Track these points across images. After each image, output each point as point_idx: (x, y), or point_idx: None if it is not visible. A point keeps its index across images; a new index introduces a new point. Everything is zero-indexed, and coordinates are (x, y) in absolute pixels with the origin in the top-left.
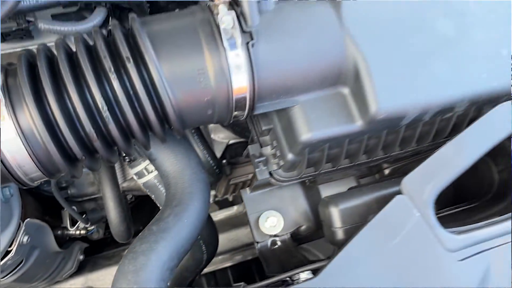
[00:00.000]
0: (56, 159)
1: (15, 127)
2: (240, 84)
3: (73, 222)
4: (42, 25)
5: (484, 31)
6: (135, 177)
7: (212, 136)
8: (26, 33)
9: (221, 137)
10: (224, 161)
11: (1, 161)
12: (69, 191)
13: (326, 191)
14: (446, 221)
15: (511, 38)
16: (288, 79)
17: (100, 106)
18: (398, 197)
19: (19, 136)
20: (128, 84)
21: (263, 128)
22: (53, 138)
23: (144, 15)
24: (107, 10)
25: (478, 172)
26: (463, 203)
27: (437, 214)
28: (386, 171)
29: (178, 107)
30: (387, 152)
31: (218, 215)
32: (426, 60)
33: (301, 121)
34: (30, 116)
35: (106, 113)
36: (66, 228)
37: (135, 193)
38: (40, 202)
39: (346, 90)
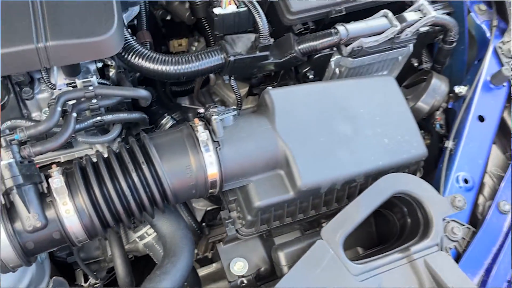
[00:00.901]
0: (97, 227)
1: (74, 209)
2: (213, 173)
3: (84, 279)
4: (80, 138)
5: (372, 128)
6: (137, 239)
7: (194, 205)
8: (68, 144)
9: (201, 205)
10: (203, 224)
11: (64, 231)
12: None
13: (278, 241)
14: (365, 257)
15: (390, 132)
16: (243, 168)
17: (126, 192)
18: (318, 241)
19: (76, 214)
20: (143, 178)
21: (230, 198)
22: (96, 214)
23: (145, 125)
24: (122, 126)
25: (388, 221)
26: (382, 244)
27: (363, 254)
28: (323, 225)
29: (174, 190)
30: (317, 211)
31: (200, 272)
32: (333, 150)
33: (253, 193)
34: (83, 201)
35: (129, 197)
36: (79, 285)
37: (134, 254)
38: (55, 265)
39: (282, 172)
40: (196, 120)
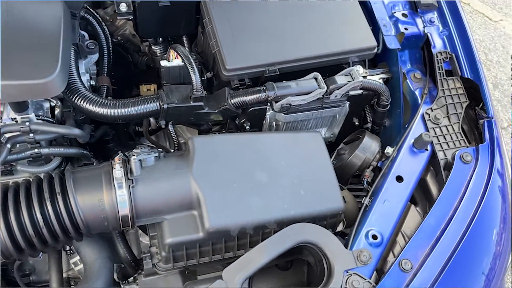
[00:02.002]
0: (10, 249)
1: None
2: (124, 209)
3: None
4: (19, 167)
5: (288, 179)
6: (72, 265)
7: (141, 238)
8: (8, 172)
9: (147, 239)
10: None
11: None
12: (31, 278)
13: (201, 279)
14: None
15: (307, 184)
16: (157, 206)
17: (39, 219)
18: (218, 280)
19: None
20: (56, 207)
21: (151, 234)
22: (9, 237)
23: (87, 160)
24: (61, 159)
25: (308, 269)
26: None
27: None
28: None
29: (85, 221)
30: (234, 253)
31: None
32: (245, 196)
33: (166, 231)
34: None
35: (42, 224)
36: None
37: (77, 280)
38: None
39: (195, 212)
40: (117, 159)
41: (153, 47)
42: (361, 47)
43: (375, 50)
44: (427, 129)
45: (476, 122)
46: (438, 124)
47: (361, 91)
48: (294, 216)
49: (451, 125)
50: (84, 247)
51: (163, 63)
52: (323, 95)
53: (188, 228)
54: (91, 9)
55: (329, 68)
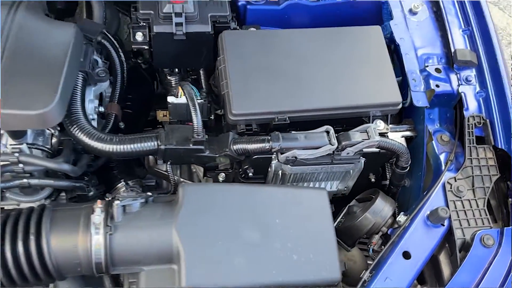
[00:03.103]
0: None
1: None
2: (98, 255)
3: None
4: (8, 195)
5: (282, 241)
6: None
7: None
8: None
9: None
10: None
11: None
12: None
13: None
14: None
15: (303, 248)
16: (134, 256)
17: (7, 257)
18: None
19: None
20: (30, 247)
21: (130, 280)
22: None
23: (82, 191)
24: (52, 190)
25: None
26: None
27: None
28: None
29: (57, 265)
30: None
31: None
32: (231, 256)
33: (142, 282)
34: None
35: (10, 264)
36: None
37: None
38: None
39: (175, 267)
40: (99, 202)
41: (168, 77)
42: (384, 102)
43: (399, 106)
44: (447, 202)
45: (506, 198)
46: (460, 197)
47: (378, 149)
48: (282, 284)
49: (475, 199)
50: (61, 282)
51: (170, 99)
52: (333, 151)
53: (165, 283)
54: (108, 35)
55: (348, 120)
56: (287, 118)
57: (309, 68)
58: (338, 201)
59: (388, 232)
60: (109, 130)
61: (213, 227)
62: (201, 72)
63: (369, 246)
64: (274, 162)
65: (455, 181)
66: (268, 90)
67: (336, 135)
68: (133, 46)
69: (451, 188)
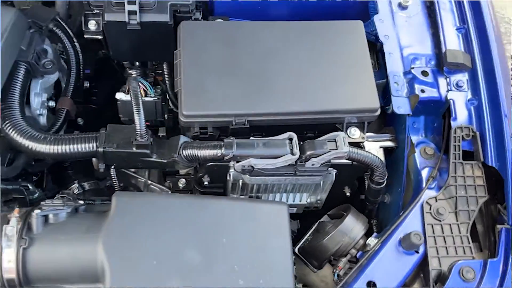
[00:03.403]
0: None
1: None
2: (9, 271)
3: None
4: None
5: (228, 262)
6: None
7: None
8: None
9: None
10: None
11: None
12: None
13: None
14: None
15: (252, 272)
16: (53, 274)
17: None
18: None
19: None
20: None
21: None
22: None
23: None
24: None
25: None
26: None
27: None
28: None
29: None
30: None
31: None
32: (164, 279)
33: None
34: None
35: None
36: None
37: None
38: None
39: (101, 286)
40: (17, 210)
41: (128, 71)
42: (360, 108)
43: (377, 113)
44: (423, 225)
45: (495, 224)
46: (440, 221)
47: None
48: None
49: (457, 224)
50: None
51: (118, 95)
52: (296, 161)
53: None
54: (62, 22)
55: (319, 126)
56: (246, 122)
57: (276, 66)
58: (310, 215)
59: (357, 256)
60: (58, 127)
61: (148, 245)
62: (164, 66)
63: (334, 270)
64: (231, 171)
65: (436, 201)
66: (226, 89)
67: (301, 143)
68: (85, 36)
69: (430, 209)
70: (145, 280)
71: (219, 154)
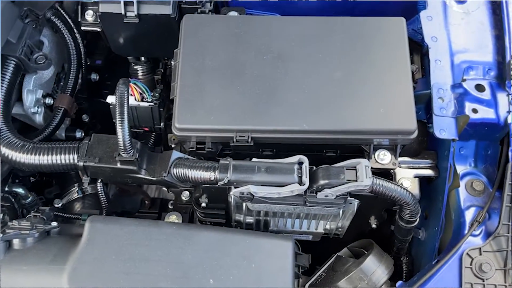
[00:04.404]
0: None
1: None
2: None
3: None
4: None
5: None
6: None
7: None
8: None
9: None
10: None
11: None
12: None
13: None
14: None
15: None
16: None
17: None
18: None
19: None
20: None
21: None
22: None
23: None
24: None
25: None
26: None
27: None
28: None
29: None
30: None
31: None
32: None
33: None
34: None
35: None
36: None
37: None
38: None
39: None
40: None
41: (134, 67)
42: (391, 129)
43: (413, 136)
44: (461, 283)
45: None
46: (483, 280)
47: None
48: None
49: (505, 286)
50: None
51: (110, 99)
52: (305, 191)
53: None
54: (61, 11)
55: (342, 146)
56: (250, 139)
57: (291, 72)
58: (328, 243)
59: None
60: (54, 128)
61: (118, 282)
62: (173, 63)
63: None
64: (232, 194)
65: (480, 253)
66: (228, 99)
67: (314, 168)
68: (82, 28)
69: (471, 263)
70: None
71: (212, 178)
